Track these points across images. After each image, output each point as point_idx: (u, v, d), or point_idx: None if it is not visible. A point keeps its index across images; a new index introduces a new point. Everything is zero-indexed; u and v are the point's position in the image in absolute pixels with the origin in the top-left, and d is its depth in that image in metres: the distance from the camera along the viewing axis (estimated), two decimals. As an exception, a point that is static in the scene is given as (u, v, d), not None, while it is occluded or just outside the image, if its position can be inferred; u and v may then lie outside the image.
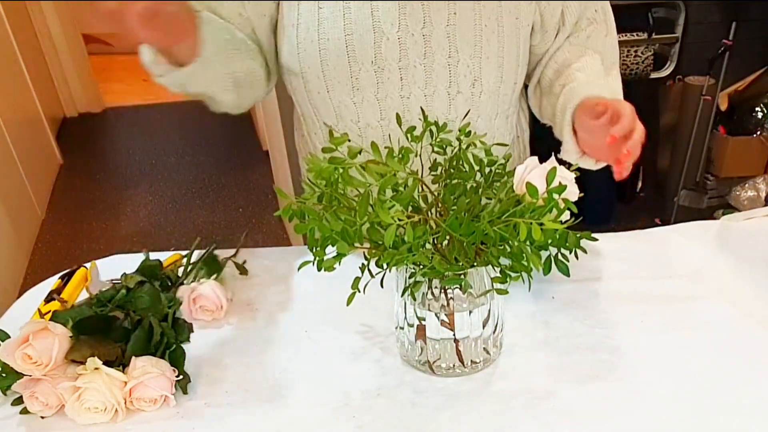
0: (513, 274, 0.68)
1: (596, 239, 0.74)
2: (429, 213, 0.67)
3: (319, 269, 0.68)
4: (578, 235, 0.72)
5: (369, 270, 0.70)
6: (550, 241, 0.69)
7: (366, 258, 0.69)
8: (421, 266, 0.66)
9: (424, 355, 0.75)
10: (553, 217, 0.64)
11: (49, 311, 0.82)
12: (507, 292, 0.70)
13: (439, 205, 0.69)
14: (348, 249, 0.65)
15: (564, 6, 0.90)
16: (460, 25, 0.84)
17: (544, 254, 0.72)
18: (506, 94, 0.92)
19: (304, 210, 0.67)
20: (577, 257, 0.74)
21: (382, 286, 0.74)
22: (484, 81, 0.87)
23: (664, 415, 0.69)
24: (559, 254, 0.73)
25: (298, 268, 0.70)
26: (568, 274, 0.73)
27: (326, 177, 0.66)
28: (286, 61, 0.88)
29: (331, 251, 0.67)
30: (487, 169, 0.73)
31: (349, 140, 0.69)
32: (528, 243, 0.65)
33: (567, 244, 0.72)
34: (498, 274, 0.69)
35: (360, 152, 0.67)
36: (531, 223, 0.62)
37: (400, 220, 0.62)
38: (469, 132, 0.72)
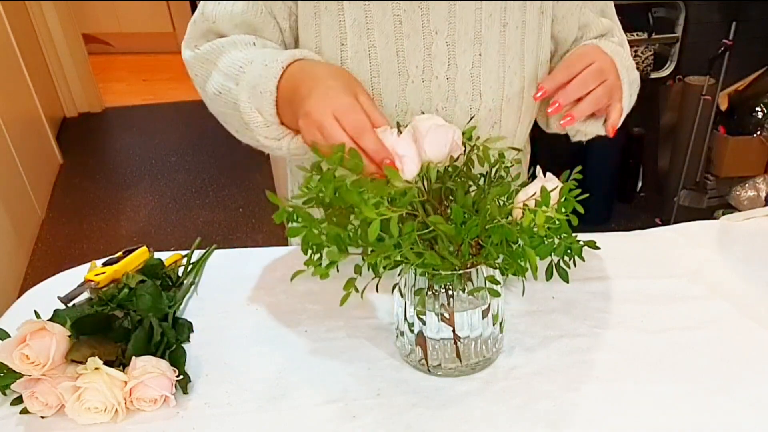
0: (509, 276, 0.68)
1: (599, 248, 0.74)
2: (424, 208, 0.66)
3: (313, 274, 0.67)
4: (582, 243, 0.72)
5: (374, 270, 0.70)
6: (554, 240, 0.69)
7: (363, 259, 0.69)
8: (412, 263, 0.65)
9: (424, 356, 0.75)
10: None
11: (98, 274, 0.84)
12: (499, 294, 0.71)
13: (439, 200, 0.69)
14: (340, 256, 0.65)
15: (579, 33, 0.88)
16: (484, 67, 0.81)
17: (546, 261, 0.73)
18: (522, 132, 0.90)
19: (297, 213, 0.67)
20: (575, 264, 0.75)
21: (377, 290, 0.74)
22: (503, 123, 0.86)
23: (664, 415, 0.69)
24: (561, 261, 0.74)
25: (291, 279, 0.70)
26: (567, 281, 0.73)
27: (329, 196, 0.65)
28: None
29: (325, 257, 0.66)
30: (492, 168, 0.72)
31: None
32: (528, 238, 0.65)
33: (570, 252, 0.72)
34: (493, 274, 0.69)
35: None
36: (535, 212, 0.62)
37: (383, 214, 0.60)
38: (470, 137, 0.72)
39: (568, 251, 0.72)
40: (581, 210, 0.68)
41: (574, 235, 0.72)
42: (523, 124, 0.89)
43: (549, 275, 0.74)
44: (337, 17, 0.77)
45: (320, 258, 0.68)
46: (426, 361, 0.74)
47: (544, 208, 0.63)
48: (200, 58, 0.81)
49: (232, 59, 0.77)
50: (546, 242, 0.69)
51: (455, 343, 0.73)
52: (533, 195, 0.66)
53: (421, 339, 0.73)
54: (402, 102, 0.81)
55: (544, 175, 0.69)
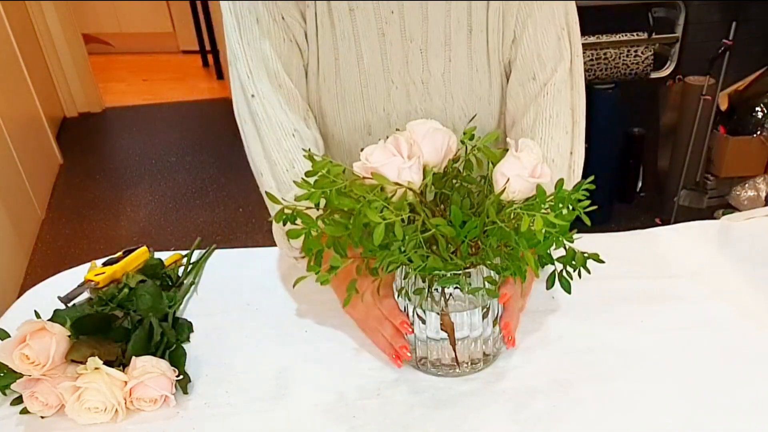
0: (506, 274, 0.68)
1: (603, 261, 0.73)
2: (423, 211, 0.66)
3: (316, 281, 0.67)
4: (586, 255, 0.72)
5: (373, 272, 0.70)
6: (554, 248, 0.68)
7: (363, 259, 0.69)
8: (416, 267, 0.65)
9: (424, 355, 0.75)
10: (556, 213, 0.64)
11: (98, 274, 0.86)
12: (497, 294, 0.70)
13: (438, 203, 0.69)
14: (341, 262, 0.65)
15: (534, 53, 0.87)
16: (454, 71, 0.88)
17: (549, 269, 0.73)
18: (498, 127, 0.95)
19: (298, 215, 0.66)
20: (580, 276, 0.74)
21: (378, 293, 0.74)
22: (477, 118, 0.91)
23: (664, 415, 0.69)
24: (564, 271, 0.73)
25: (294, 285, 0.70)
26: (569, 292, 0.73)
27: (315, 202, 0.65)
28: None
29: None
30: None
31: (331, 161, 0.67)
32: (525, 241, 0.65)
33: (573, 263, 0.72)
34: (491, 274, 0.69)
35: (344, 171, 0.66)
36: (533, 216, 0.61)
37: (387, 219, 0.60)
38: (473, 136, 0.72)
39: (572, 261, 0.72)
40: (588, 221, 0.67)
41: (577, 236, 0.71)
42: (495, 119, 0.93)
43: (551, 284, 0.74)
44: (330, 29, 0.83)
45: (320, 264, 0.67)
46: (426, 360, 0.74)
47: (543, 210, 0.63)
48: (248, 120, 0.86)
49: (276, 148, 0.85)
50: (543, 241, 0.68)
51: (452, 344, 0.72)
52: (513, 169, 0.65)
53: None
54: (388, 105, 0.89)
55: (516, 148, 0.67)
